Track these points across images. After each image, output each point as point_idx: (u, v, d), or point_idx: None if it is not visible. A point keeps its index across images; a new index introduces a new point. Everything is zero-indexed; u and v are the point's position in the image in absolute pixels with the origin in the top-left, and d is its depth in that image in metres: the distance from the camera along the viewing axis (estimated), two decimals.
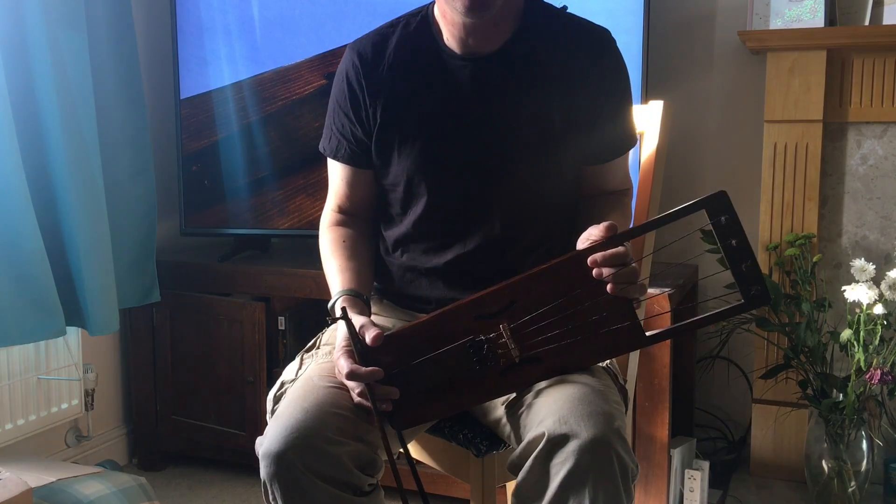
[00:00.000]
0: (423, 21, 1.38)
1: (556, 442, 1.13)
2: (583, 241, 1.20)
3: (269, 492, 1.18)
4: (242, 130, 2.43)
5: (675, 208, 1.15)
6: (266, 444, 1.17)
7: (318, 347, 1.40)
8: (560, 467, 1.13)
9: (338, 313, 1.24)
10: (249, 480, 2.41)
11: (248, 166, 2.43)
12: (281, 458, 1.15)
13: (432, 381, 1.23)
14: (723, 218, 1.14)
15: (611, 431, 1.13)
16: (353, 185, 1.46)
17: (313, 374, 1.30)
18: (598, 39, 1.36)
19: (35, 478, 1.83)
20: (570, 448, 1.12)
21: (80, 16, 2.09)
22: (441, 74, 1.36)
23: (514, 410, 1.28)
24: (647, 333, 1.19)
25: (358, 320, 1.25)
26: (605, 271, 1.15)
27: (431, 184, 1.37)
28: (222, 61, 2.44)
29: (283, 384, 1.33)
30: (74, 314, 2.13)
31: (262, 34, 2.39)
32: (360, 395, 1.21)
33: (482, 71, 1.34)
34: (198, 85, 2.46)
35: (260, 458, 1.18)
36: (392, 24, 1.41)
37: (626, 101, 1.39)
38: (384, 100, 1.37)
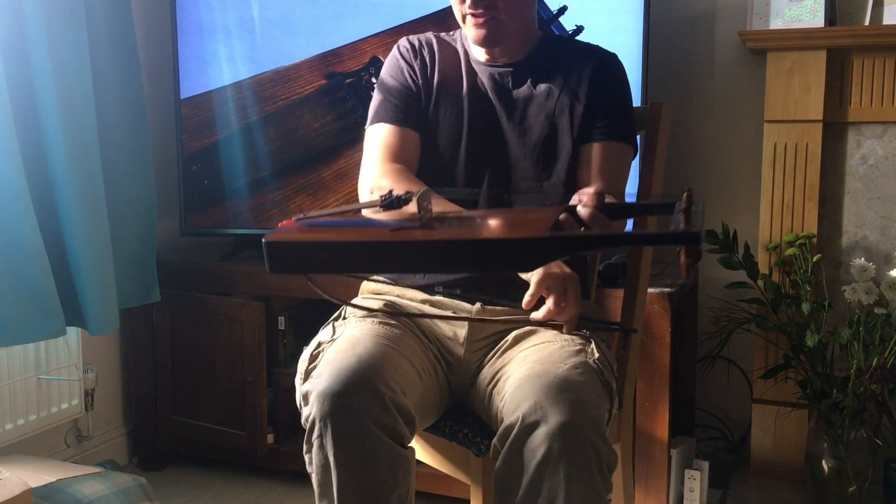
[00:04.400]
0: (452, 36, 1.59)
1: (530, 428, 1.16)
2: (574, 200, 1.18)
3: (318, 430, 1.20)
4: (242, 130, 2.43)
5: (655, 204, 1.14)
6: (322, 383, 1.20)
7: (346, 318, 1.43)
8: (534, 453, 1.16)
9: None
10: (249, 480, 2.41)
11: (248, 166, 2.43)
12: (338, 397, 1.18)
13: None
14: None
15: (583, 418, 1.16)
16: (403, 147, 1.50)
17: (356, 331, 1.34)
18: (607, 62, 1.53)
19: (35, 478, 1.83)
20: (542, 433, 1.15)
21: (80, 16, 2.09)
22: (469, 73, 1.53)
23: (494, 395, 1.32)
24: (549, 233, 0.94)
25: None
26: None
27: (461, 172, 1.49)
28: (222, 61, 2.44)
29: (319, 344, 1.36)
30: (74, 314, 2.13)
31: (261, 34, 2.39)
32: None
33: (501, 76, 1.51)
34: (198, 85, 2.46)
35: (313, 397, 1.20)
36: (426, 35, 1.60)
37: (623, 111, 1.51)
38: (424, 82, 1.53)
